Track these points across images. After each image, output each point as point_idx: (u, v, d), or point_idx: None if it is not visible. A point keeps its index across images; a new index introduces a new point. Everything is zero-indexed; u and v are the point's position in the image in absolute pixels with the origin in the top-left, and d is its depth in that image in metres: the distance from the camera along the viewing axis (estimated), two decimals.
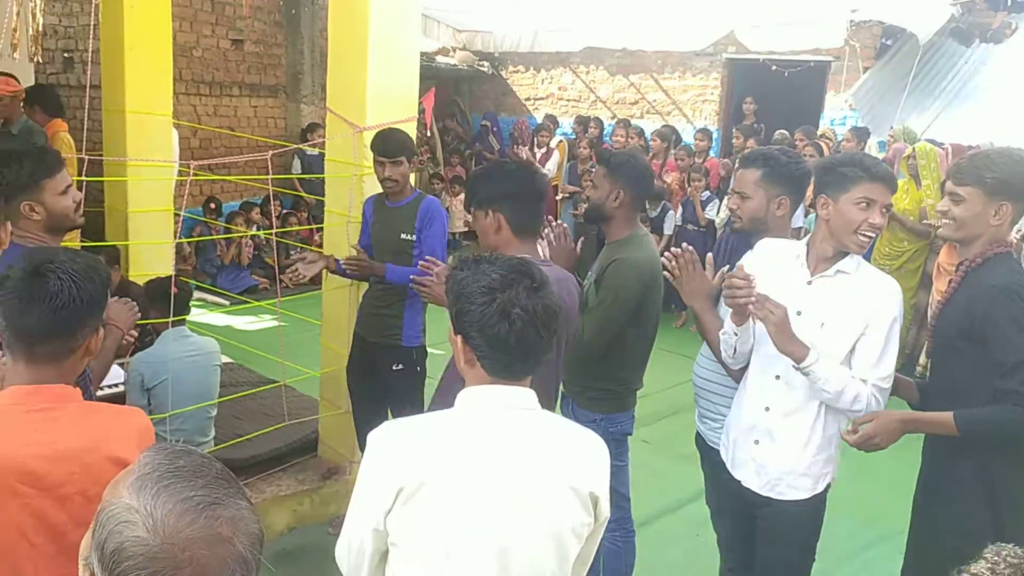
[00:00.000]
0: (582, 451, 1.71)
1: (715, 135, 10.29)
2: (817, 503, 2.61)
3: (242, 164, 8.44)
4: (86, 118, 3.86)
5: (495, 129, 12.14)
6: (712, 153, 9.70)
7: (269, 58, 9.97)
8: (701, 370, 2.97)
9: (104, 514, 0.99)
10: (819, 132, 8.88)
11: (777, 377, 2.55)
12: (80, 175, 3.71)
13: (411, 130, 3.96)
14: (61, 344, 1.73)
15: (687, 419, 2.46)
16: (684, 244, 2.88)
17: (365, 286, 3.99)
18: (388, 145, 3.67)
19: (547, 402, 2.32)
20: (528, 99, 12.57)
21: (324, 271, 3.87)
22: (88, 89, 4.03)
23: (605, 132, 10.40)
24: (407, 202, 3.78)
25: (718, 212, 7.87)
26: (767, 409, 2.57)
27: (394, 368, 3.84)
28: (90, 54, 3.72)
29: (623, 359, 3.14)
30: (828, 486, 2.63)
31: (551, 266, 2.54)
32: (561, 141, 10.27)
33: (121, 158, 4.73)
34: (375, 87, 3.86)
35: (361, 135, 3.89)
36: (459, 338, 1.69)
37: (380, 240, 3.84)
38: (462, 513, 1.58)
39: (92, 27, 4.77)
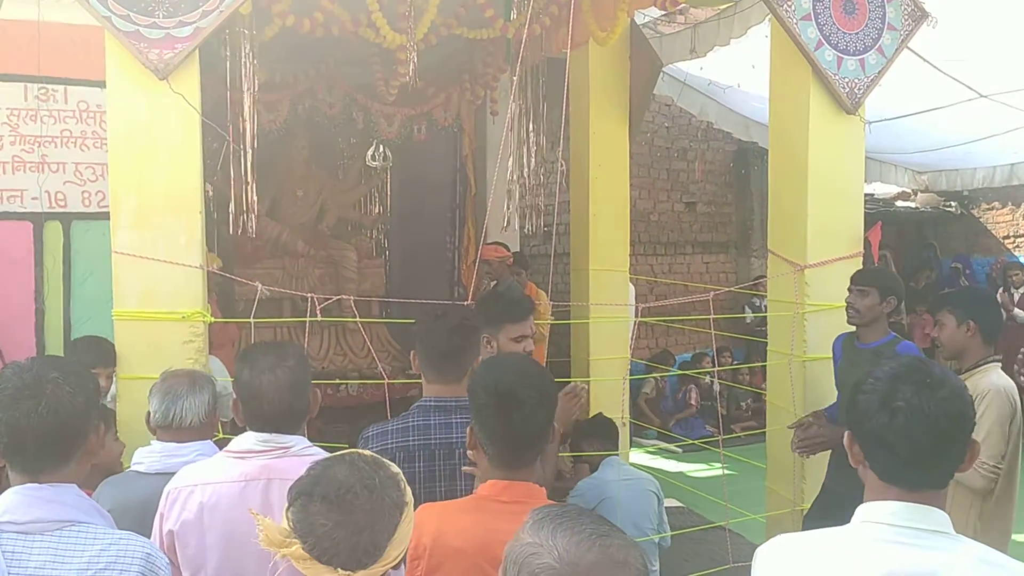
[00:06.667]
0: None
1: None
2: None
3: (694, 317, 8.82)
4: (551, 277, 4.47)
5: (967, 272, 11.03)
6: None
7: (720, 216, 10.43)
8: None
9: (509, 558, 1.14)
10: None
11: None
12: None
13: (856, 266, 3.86)
14: (535, 444, 1.98)
15: None
16: None
17: None
18: (859, 272, 3.68)
19: None
20: (1007, 237, 11.25)
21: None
22: (553, 256, 4.69)
23: None
24: (877, 344, 3.51)
25: None
26: None
27: None
28: (555, 225, 4.47)
29: None
30: None
31: None
32: None
33: (583, 303, 5.31)
34: (815, 225, 3.87)
35: (803, 273, 3.88)
36: (848, 432, 1.59)
37: (845, 385, 3.64)
38: None
39: (559, 203, 5.57)
